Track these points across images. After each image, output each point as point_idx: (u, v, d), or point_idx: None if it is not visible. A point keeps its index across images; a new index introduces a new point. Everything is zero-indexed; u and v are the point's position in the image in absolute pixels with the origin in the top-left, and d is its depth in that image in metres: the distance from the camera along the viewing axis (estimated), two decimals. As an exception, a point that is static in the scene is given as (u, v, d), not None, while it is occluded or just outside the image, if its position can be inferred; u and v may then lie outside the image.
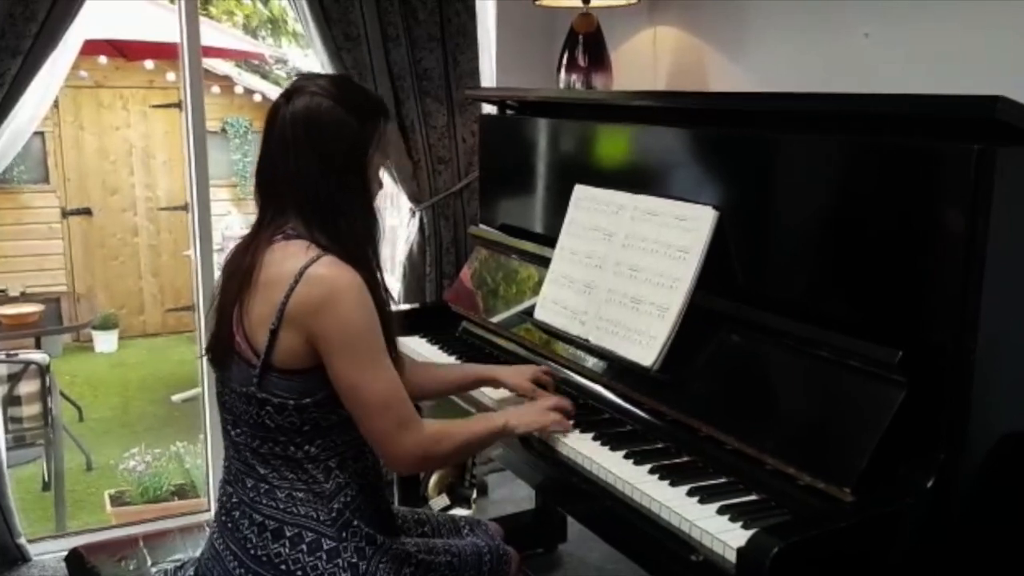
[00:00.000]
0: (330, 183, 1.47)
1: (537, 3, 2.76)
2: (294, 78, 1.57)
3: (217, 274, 1.63)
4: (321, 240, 1.47)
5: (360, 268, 1.46)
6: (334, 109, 1.47)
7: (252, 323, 1.45)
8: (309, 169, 1.46)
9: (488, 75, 3.14)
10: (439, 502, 2.90)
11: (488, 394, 1.96)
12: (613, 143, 2.10)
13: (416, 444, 1.48)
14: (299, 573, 1.46)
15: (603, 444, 1.68)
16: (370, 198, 1.55)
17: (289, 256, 1.45)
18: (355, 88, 1.57)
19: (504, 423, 1.65)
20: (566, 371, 1.99)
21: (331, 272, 1.43)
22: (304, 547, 1.47)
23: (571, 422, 1.73)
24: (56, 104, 6.54)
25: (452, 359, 2.21)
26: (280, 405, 1.44)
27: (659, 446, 1.67)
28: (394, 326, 1.54)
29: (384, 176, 1.60)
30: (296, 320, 1.42)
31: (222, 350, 1.50)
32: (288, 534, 1.47)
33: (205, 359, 1.58)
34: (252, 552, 1.48)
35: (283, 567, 1.46)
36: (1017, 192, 1.31)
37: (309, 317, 1.41)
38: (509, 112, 2.59)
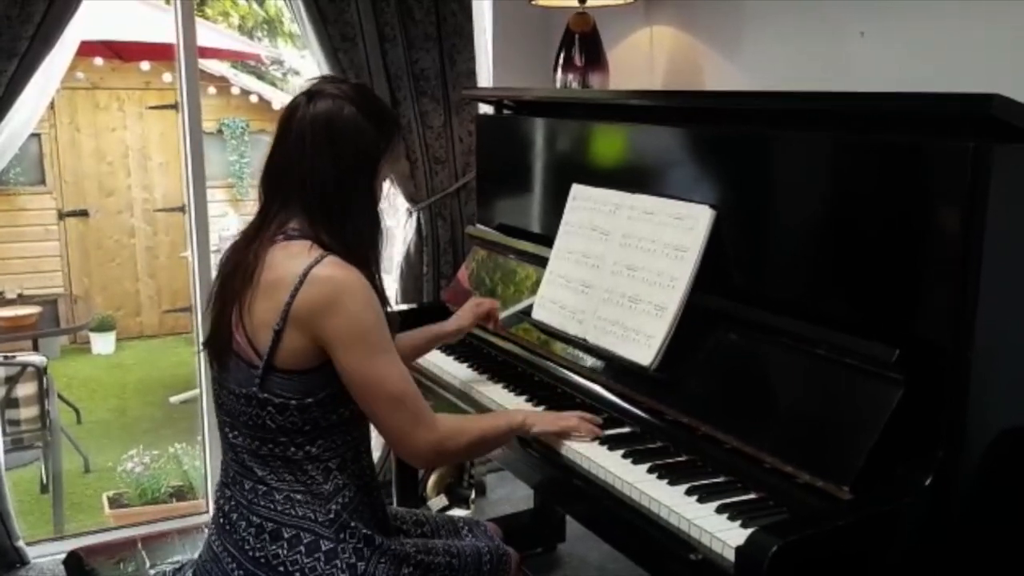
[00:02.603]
0: (340, 185, 1.49)
1: (533, 3, 2.76)
2: (314, 80, 1.58)
3: (215, 274, 1.63)
4: (324, 239, 1.47)
5: (361, 270, 1.47)
6: (355, 115, 1.50)
7: (254, 324, 1.45)
8: (322, 169, 1.48)
9: (485, 75, 3.14)
10: (438, 502, 2.90)
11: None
12: (610, 142, 2.10)
13: (431, 439, 1.51)
14: (297, 574, 1.46)
15: (601, 443, 1.68)
16: (376, 203, 1.57)
17: (292, 256, 1.45)
18: (375, 98, 1.60)
19: (522, 420, 1.69)
20: (564, 370, 1.99)
21: (335, 272, 1.44)
22: (302, 548, 1.46)
23: (597, 432, 1.70)
24: (52, 106, 6.54)
25: (450, 359, 2.20)
26: (282, 405, 1.44)
27: (657, 445, 1.67)
28: (394, 329, 1.55)
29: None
30: (302, 321, 1.42)
31: (220, 348, 1.50)
32: (286, 535, 1.47)
33: (203, 354, 1.59)
34: (250, 554, 1.47)
35: (281, 568, 1.46)
36: (1013, 189, 1.31)
37: (316, 318, 1.42)
38: (506, 112, 2.59)
